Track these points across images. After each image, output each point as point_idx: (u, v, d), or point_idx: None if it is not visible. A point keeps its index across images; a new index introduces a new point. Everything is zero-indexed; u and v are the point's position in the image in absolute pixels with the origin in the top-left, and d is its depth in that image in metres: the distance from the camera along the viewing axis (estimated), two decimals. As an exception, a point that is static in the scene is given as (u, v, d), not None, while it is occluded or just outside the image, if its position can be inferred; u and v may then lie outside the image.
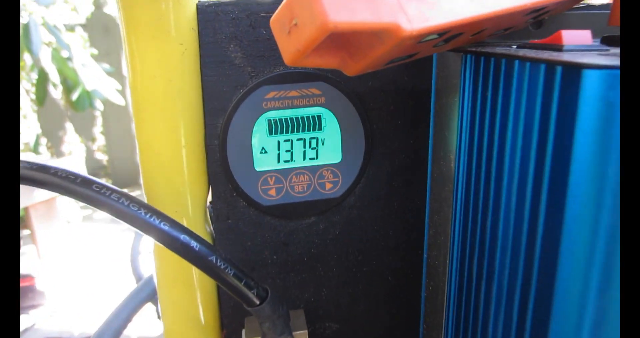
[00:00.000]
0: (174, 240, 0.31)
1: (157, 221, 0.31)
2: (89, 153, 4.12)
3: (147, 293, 0.53)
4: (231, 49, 0.36)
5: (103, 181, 0.31)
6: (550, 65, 0.21)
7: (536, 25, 0.36)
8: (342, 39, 0.25)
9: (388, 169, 0.40)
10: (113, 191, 0.30)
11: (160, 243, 0.31)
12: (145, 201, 0.38)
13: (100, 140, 4.34)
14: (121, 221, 0.31)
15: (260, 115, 0.37)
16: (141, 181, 0.38)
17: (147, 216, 0.30)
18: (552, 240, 0.22)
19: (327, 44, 0.24)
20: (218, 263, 0.32)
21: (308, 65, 0.24)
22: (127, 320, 0.48)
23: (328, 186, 0.39)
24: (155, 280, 0.41)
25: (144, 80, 0.35)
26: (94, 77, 2.61)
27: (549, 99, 0.22)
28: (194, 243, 0.31)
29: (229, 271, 0.33)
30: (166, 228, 0.31)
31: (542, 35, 0.35)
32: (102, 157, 4.37)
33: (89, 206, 0.30)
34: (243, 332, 0.39)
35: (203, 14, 0.35)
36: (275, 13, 0.23)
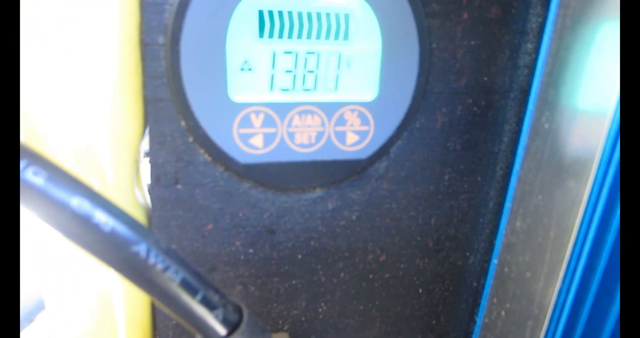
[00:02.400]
0: (58, 206, 0.15)
1: (29, 172, 0.14)
2: None
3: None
4: None
5: None
6: None
7: None
8: None
9: (444, 122, 0.25)
10: None
11: (33, 212, 0.15)
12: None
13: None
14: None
15: (245, -2, 0.21)
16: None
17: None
18: None
19: None
20: (150, 260, 0.16)
21: None
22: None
23: (351, 139, 0.24)
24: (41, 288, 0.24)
25: None
26: None
27: None
28: (102, 218, 0.15)
29: (173, 277, 0.17)
30: (39, 181, 0.14)
31: None
32: None
33: None
34: None
35: None
36: None
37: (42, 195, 0.14)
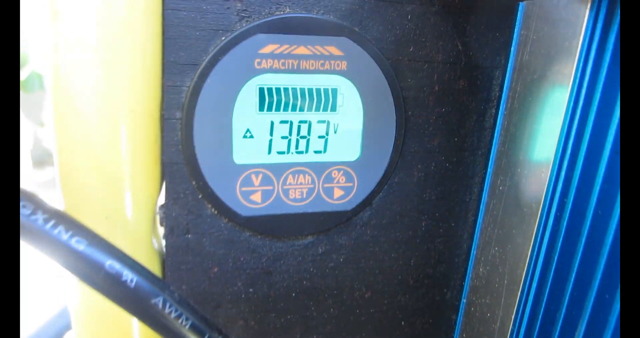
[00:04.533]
0: (94, 268, 0.18)
1: (64, 236, 0.18)
2: (37, 140, 3.81)
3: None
4: None
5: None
6: None
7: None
8: None
9: (420, 176, 0.29)
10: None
11: (72, 272, 0.19)
12: (60, 203, 0.25)
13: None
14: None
15: (249, 79, 0.24)
16: (55, 170, 0.25)
17: (47, 225, 0.18)
18: None
19: None
20: (167, 309, 0.20)
21: None
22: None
23: (337, 193, 0.28)
24: (70, 316, 0.28)
25: (68, 10, 0.22)
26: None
27: None
28: (128, 276, 0.19)
29: (184, 323, 0.20)
30: (81, 247, 0.18)
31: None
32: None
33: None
34: None
35: None
36: None
37: (81, 259, 0.18)
